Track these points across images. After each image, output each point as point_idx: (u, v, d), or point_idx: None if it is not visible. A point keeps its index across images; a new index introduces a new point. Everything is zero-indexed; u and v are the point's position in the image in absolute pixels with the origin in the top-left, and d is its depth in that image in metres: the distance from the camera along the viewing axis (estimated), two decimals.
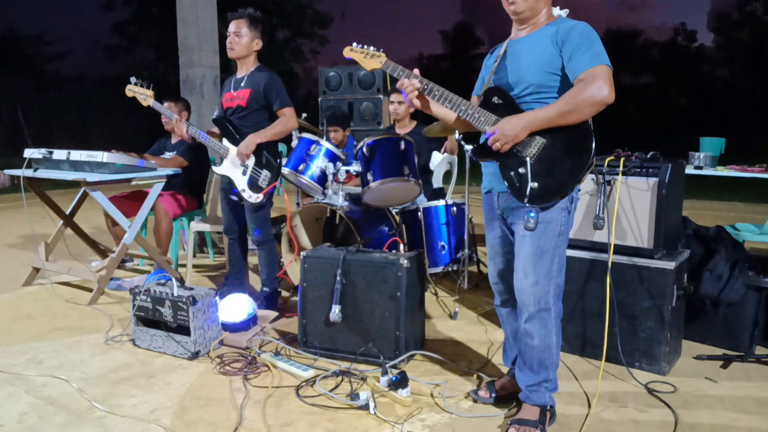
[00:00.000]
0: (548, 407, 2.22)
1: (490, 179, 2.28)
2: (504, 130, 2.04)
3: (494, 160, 2.16)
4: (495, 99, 2.16)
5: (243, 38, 3.44)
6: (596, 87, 1.93)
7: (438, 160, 4.66)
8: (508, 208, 2.21)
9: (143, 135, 17.90)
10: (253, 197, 3.45)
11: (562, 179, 2.02)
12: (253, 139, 3.39)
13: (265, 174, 3.45)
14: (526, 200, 2.05)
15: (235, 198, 3.61)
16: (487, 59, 2.37)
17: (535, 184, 2.03)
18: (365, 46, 2.32)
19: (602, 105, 1.94)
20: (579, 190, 2.21)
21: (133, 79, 3.69)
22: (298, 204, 4.55)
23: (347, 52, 2.37)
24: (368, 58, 2.31)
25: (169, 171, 4.00)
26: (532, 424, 2.15)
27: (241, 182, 3.46)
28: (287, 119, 3.44)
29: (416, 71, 2.21)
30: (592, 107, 1.95)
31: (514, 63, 2.17)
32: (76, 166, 3.74)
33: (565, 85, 2.05)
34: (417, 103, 2.24)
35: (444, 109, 2.25)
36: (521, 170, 2.07)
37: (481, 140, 2.21)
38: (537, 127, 2.03)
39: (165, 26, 18.09)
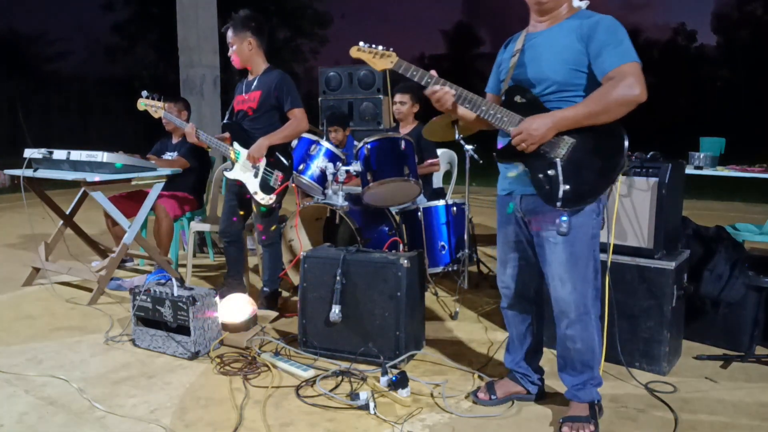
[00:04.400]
0: (596, 401, 2.21)
1: (511, 181, 2.19)
2: (530, 130, 1.96)
3: (520, 162, 2.07)
4: (518, 98, 2.07)
5: (235, 46, 3.42)
6: (627, 86, 1.86)
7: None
8: (533, 212, 2.13)
9: (143, 135, 17.88)
10: (266, 199, 3.43)
11: (594, 181, 1.95)
12: (263, 143, 3.36)
13: (276, 174, 3.43)
14: (559, 204, 1.96)
15: (235, 206, 3.60)
16: (501, 53, 2.27)
17: (568, 187, 1.95)
18: (373, 46, 2.20)
19: (633, 104, 1.87)
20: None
21: (144, 93, 3.67)
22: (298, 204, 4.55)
23: (354, 53, 2.25)
24: (377, 58, 2.19)
25: (170, 171, 4.00)
26: (584, 420, 2.14)
27: (253, 185, 3.44)
28: (298, 121, 3.40)
29: (433, 72, 2.13)
30: (622, 107, 1.88)
31: (534, 59, 2.07)
32: (76, 166, 3.74)
33: (592, 82, 1.98)
34: (449, 106, 2.13)
35: (462, 109, 2.17)
36: (551, 172, 1.99)
37: (502, 143, 2.14)
38: (564, 128, 1.96)
39: (165, 26, 18.08)
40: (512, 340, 2.45)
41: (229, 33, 3.43)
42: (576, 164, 1.97)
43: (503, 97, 2.13)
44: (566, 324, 2.13)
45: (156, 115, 3.70)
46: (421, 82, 2.14)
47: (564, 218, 1.98)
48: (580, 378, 2.19)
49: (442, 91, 2.10)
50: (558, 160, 1.98)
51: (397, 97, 4.41)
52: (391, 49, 2.19)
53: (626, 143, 1.93)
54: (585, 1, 2.11)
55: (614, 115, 1.91)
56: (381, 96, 6.22)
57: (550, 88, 2.03)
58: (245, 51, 3.44)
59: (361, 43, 2.23)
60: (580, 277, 2.07)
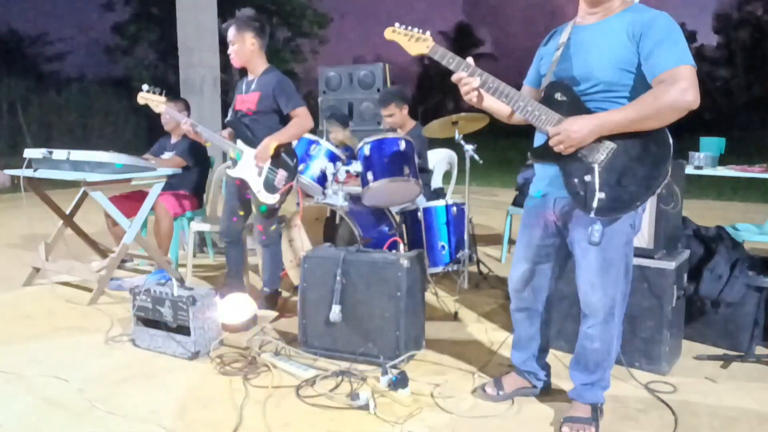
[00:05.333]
0: (600, 404, 2.20)
1: (547, 183, 2.10)
2: (569, 132, 1.86)
3: (555, 163, 1.97)
4: (558, 95, 1.95)
5: (236, 44, 3.40)
6: (679, 90, 1.74)
7: (438, 158, 4.67)
8: (567, 215, 2.05)
9: (143, 135, 17.91)
10: (270, 198, 3.42)
11: (633, 191, 1.83)
12: (268, 143, 3.32)
13: (281, 174, 3.42)
14: (592, 213, 1.86)
15: (235, 206, 3.59)
16: (543, 45, 2.15)
17: (603, 195, 1.85)
18: (410, 27, 2.05)
19: (685, 111, 1.76)
20: None
21: (145, 87, 3.61)
22: (297, 204, 4.55)
23: (389, 34, 2.10)
24: (413, 42, 2.04)
25: (169, 171, 4.00)
26: (586, 422, 2.13)
27: (256, 184, 3.42)
28: (302, 119, 3.38)
29: (470, 60, 2.01)
30: (674, 113, 1.77)
31: (581, 54, 1.95)
32: (76, 166, 3.74)
33: (640, 84, 1.86)
34: (474, 100, 2.05)
35: (498, 103, 2.06)
36: (587, 178, 1.88)
37: (538, 141, 2.06)
38: (608, 132, 1.84)
39: (165, 26, 18.08)
40: (519, 339, 2.43)
41: (232, 30, 3.41)
42: (615, 171, 1.86)
43: (543, 93, 2.00)
44: (590, 324, 2.11)
45: (157, 110, 3.64)
46: (456, 71, 2.02)
47: (597, 227, 1.87)
48: (590, 378, 2.18)
49: (466, 79, 1.98)
50: (596, 165, 1.87)
51: (384, 111, 4.36)
52: (428, 32, 2.04)
53: (671, 151, 1.81)
54: None
55: (663, 121, 1.80)
56: None
57: (596, 87, 1.92)
58: (246, 51, 3.42)
59: (397, 24, 2.09)
60: (611, 282, 2.02)
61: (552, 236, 2.17)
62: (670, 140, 1.84)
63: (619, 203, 1.86)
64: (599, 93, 1.92)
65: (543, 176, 2.14)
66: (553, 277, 2.26)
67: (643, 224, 2.68)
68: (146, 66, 21.55)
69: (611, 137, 1.87)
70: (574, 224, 2.04)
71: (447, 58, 2.01)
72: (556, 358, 2.76)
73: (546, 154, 1.96)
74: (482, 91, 2.02)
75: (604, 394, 2.22)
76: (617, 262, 2.01)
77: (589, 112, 1.91)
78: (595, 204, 1.86)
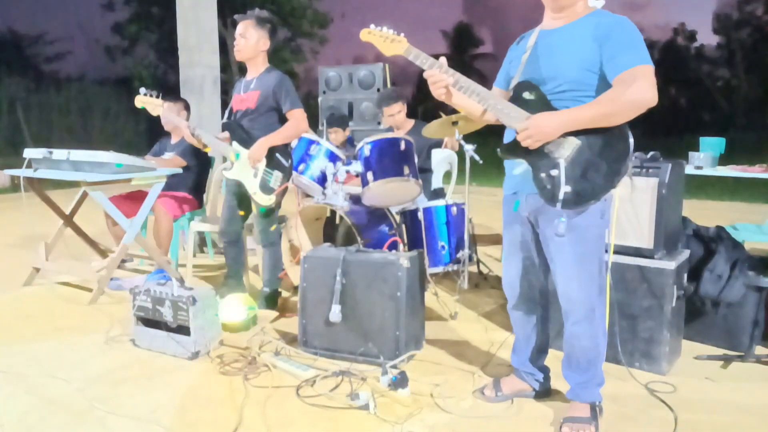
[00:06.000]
0: (598, 403, 2.21)
1: (517, 181, 2.19)
2: (537, 126, 1.95)
3: (523, 160, 2.06)
4: (526, 94, 2.04)
5: (249, 40, 3.42)
6: (639, 89, 1.85)
7: (437, 159, 4.66)
8: (538, 211, 2.13)
9: (143, 135, 17.92)
10: (265, 199, 3.43)
11: (597, 184, 1.94)
12: (263, 144, 3.37)
13: (276, 175, 3.43)
14: (558, 205, 1.97)
15: (234, 207, 3.59)
16: (512, 49, 2.25)
17: (569, 188, 1.95)
18: (384, 29, 2.13)
19: (644, 108, 1.86)
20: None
21: (143, 90, 3.64)
22: (298, 204, 4.55)
23: (364, 35, 2.17)
24: (388, 43, 2.11)
25: (169, 171, 4.00)
26: (585, 421, 2.15)
27: (252, 185, 3.44)
28: (297, 121, 3.41)
29: (443, 60, 2.08)
30: (634, 110, 1.87)
31: (548, 56, 2.05)
32: (76, 166, 3.74)
33: (603, 84, 1.96)
34: (443, 97, 2.12)
35: (469, 102, 2.13)
36: (553, 172, 1.98)
37: (507, 138, 2.12)
38: (573, 128, 1.94)
39: (165, 26, 18.10)
40: (518, 340, 2.45)
41: (247, 24, 3.42)
42: (579, 166, 1.96)
43: (512, 93, 2.09)
44: (573, 321, 2.14)
45: (155, 113, 3.67)
46: (430, 70, 2.08)
47: (562, 219, 1.98)
48: (584, 376, 2.20)
49: (439, 75, 2.05)
50: (562, 160, 1.97)
51: (387, 111, 4.35)
52: (402, 34, 2.11)
53: (631, 147, 1.92)
54: (601, 0, 2.09)
55: (625, 117, 1.90)
56: None
57: (562, 87, 2.01)
58: (256, 47, 3.45)
59: (372, 26, 2.16)
60: (587, 275, 2.07)
61: (531, 232, 2.23)
62: (630, 137, 1.94)
63: (584, 196, 1.96)
64: (565, 92, 2.01)
65: (513, 174, 2.22)
66: (544, 271, 2.28)
67: (643, 224, 2.69)
68: (146, 66, 21.57)
69: (576, 133, 1.96)
70: (543, 221, 2.12)
71: (421, 58, 2.09)
72: (557, 358, 2.75)
73: (515, 150, 2.05)
74: (455, 90, 2.10)
75: (601, 391, 2.23)
76: (591, 255, 2.07)
77: (555, 110, 2.00)
78: (561, 196, 1.96)
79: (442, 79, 2.06)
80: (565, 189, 1.96)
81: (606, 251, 2.15)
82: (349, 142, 5.25)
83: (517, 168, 2.17)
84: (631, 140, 1.93)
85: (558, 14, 2.08)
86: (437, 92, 2.11)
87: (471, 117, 2.29)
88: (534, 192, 2.07)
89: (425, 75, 2.10)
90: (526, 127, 1.97)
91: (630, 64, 1.88)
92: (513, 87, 2.10)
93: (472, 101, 2.10)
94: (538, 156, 2.01)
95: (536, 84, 2.05)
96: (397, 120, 4.37)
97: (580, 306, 2.10)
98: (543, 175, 2.01)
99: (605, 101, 1.90)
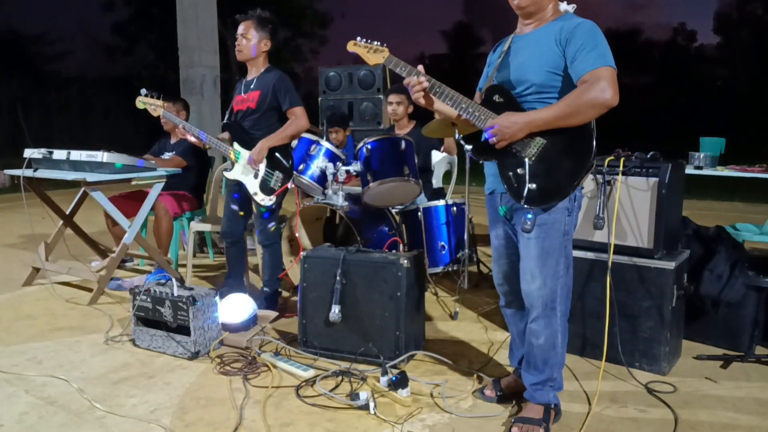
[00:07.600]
0: (552, 405, 2.21)
1: (492, 180, 2.26)
2: (503, 126, 2.02)
3: (494, 160, 2.14)
4: (496, 97, 2.13)
5: (251, 40, 3.42)
6: (599, 89, 1.89)
7: (437, 159, 4.66)
8: (511, 209, 2.20)
9: (143, 135, 17.88)
10: (266, 200, 3.43)
11: (561, 181, 2.01)
12: (264, 145, 3.36)
13: (277, 175, 3.43)
14: (523, 201, 2.03)
15: (235, 207, 3.60)
16: (491, 54, 2.34)
17: (533, 186, 2.02)
18: (369, 41, 2.26)
19: (605, 108, 1.92)
20: (582, 188, 2.19)
21: (143, 91, 3.64)
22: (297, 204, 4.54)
23: (351, 47, 2.30)
24: (371, 53, 2.24)
25: (169, 171, 4.00)
26: (536, 423, 2.15)
27: (253, 186, 3.43)
28: (297, 119, 3.40)
29: (420, 68, 2.17)
30: (594, 110, 1.92)
31: (516, 60, 2.13)
32: (76, 166, 3.74)
33: (568, 85, 2.02)
34: (422, 101, 2.21)
35: (446, 106, 2.22)
36: (519, 171, 2.05)
37: (482, 139, 2.19)
38: (536, 128, 2.01)
39: (165, 26, 18.09)
40: (513, 339, 2.47)
41: (249, 25, 3.42)
42: (545, 164, 2.02)
43: (483, 96, 2.18)
44: (532, 318, 2.17)
45: (155, 114, 3.68)
46: (408, 77, 2.18)
47: (529, 216, 2.04)
48: (540, 377, 2.20)
49: (416, 80, 2.14)
50: (527, 159, 2.04)
51: (393, 98, 4.34)
52: (385, 45, 2.24)
53: (594, 146, 1.98)
54: (572, 5, 2.17)
55: (585, 117, 1.95)
56: (381, 96, 6.21)
57: (529, 90, 2.08)
58: (258, 48, 3.44)
59: (358, 38, 2.28)
60: (551, 273, 2.10)
61: (512, 229, 2.27)
62: (593, 135, 2.00)
63: (548, 193, 2.02)
64: (532, 94, 2.08)
65: (489, 174, 2.29)
66: None
67: (643, 224, 2.69)
68: (146, 66, 21.57)
69: (541, 133, 2.03)
70: (516, 218, 2.18)
71: (400, 66, 2.19)
72: None
73: (486, 150, 2.14)
74: (432, 95, 2.18)
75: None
76: (555, 252, 2.10)
77: (524, 111, 2.07)
78: (525, 193, 2.03)
79: (420, 83, 2.14)
80: (529, 186, 2.02)
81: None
82: (350, 142, 5.25)
83: (491, 168, 2.24)
84: (593, 139, 1.98)
85: (527, 20, 2.16)
86: (415, 96, 2.19)
87: (450, 122, 2.38)
88: (506, 191, 2.14)
89: (404, 82, 2.20)
90: (493, 125, 2.05)
91: (591, 66, 1.93)
92: (484, 90, 2.19)
93: (448, 106, 2.19)
94: (506, 155, 2.09)
95: (507, 87, 2.13)
96: (397, 111, 4.34)
97: (540, 302, 2.13)
98: (510, 173, 2.08)
99: (567, 103, 1.96)
